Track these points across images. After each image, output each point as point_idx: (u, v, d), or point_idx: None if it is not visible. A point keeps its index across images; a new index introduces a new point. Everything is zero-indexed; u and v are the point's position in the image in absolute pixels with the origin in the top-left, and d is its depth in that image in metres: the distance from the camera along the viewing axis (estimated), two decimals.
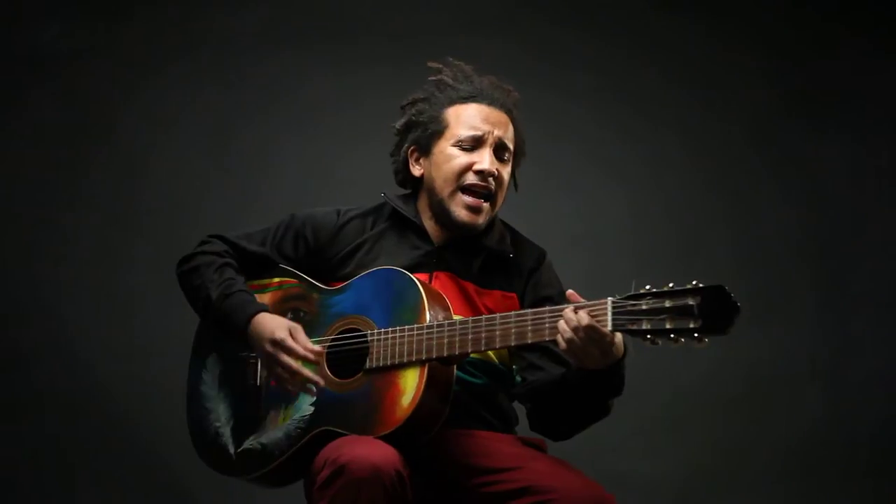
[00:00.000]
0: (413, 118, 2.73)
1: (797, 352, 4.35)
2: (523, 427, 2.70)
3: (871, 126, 4.48)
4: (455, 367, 2.50)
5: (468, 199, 2.64)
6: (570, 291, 2.37)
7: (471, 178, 2.64)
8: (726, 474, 4.29)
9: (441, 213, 2.68)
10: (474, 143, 2.65)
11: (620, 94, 4.50)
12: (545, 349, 2.60)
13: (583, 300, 2.34)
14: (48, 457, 4.12)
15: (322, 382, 2.52)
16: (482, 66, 2.79)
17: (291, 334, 2.53)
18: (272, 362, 2.54)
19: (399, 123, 2.77)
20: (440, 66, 2.77)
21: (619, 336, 2.36)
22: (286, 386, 2.54)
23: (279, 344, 2.52)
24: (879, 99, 4.48)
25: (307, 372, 2.51)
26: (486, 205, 2.65)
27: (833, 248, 4.43)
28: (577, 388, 2.49)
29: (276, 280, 2.72)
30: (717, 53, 4.52)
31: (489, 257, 2.69)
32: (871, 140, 4.47)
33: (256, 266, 2.73)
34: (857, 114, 4.48)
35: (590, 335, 2.31)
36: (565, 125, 4.43)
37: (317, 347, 2.53)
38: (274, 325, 2.56)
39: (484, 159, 2.63)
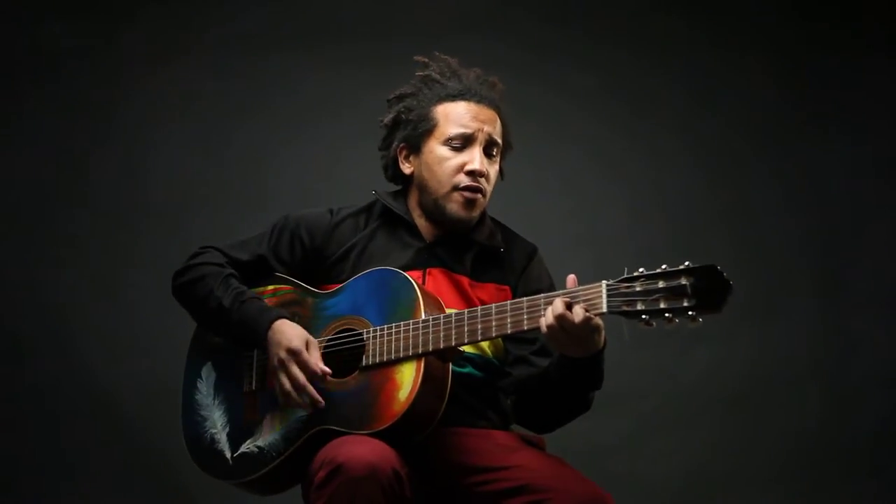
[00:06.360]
0: (401, 114, 2.74)
1: (797, 352, 4.35)
2: None
3: (871, 126, 4.47)
4: (451, 363, 2.50)
5: (461, 196, 2.66)
6: (571, 276, 2.38)
7: (464, 180, 2.65)
8: (726, 474, 4.28)
9: (435, 210, 2.69)
10: (464, 142, 2.67)
11: (620, 94, 4.50)
12: (533, 343, 2.61)
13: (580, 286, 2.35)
14: (48, 457, 4.12)
15: (323, 404, 2.49)
16: (482, 67, 2.79)
17: (307, 348, 2.52)
18: (282, 370, 2.51)
19: (387, 119, 2.78)
20: (426, 60, 2.79)
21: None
22: (286, 399, 2.51)
23: (295, 354, 2.50)
24: (879, 99, 4.48)
25: (312, 390, 2.49)
26: (479, 196, 2.67)
27: (833, 248, 4.43)
28: (559, 380, 2.50)
29: (271, 287, 2.71)
30: (717, 53, 4.52)
31: (481, 252, 2.71)
32: (871, 140, 4.47)
33: (251, 275, 2.72)
34: (857, 114, 4.48)
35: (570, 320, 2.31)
36: (565, 125, 4.44)
37: (327, 369, 2.50)
38: (293, 334, 2.53)
39: (475, 159, 2.65)
